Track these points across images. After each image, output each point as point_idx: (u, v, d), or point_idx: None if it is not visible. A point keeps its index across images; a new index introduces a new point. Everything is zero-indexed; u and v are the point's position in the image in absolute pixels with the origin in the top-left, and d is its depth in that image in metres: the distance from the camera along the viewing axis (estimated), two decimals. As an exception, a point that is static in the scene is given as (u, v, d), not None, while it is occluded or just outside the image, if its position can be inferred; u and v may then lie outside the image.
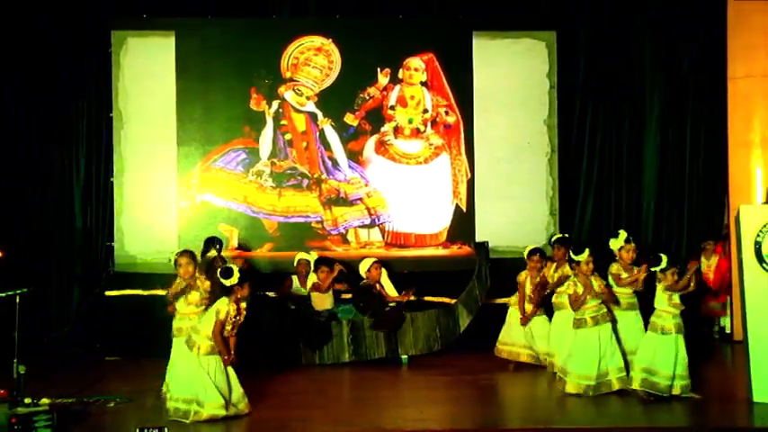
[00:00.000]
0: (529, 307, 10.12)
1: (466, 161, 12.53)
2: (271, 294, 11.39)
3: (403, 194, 12.48)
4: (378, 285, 11.01)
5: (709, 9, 12.51)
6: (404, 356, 10.72)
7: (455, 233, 12.49)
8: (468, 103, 12.54)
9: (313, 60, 12.43)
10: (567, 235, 10.69)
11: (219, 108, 12.28)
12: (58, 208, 12.29)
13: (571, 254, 8.82)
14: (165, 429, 7.09)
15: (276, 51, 12.37)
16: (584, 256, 8.69)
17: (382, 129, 12.49)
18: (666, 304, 8.42)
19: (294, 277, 11.29)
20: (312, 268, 11.08)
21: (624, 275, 9.18)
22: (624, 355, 8.82)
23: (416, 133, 12.56)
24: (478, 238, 12.02)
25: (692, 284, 8.51)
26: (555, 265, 10.11)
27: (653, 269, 8.54)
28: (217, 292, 8.06)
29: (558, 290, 9.92)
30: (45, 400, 7.83)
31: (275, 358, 10.34)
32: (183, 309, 8.38)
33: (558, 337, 9.68)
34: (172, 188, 12.20)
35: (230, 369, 7.93)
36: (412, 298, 10.98)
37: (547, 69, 12.61)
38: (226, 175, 12.26)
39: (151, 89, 12.21)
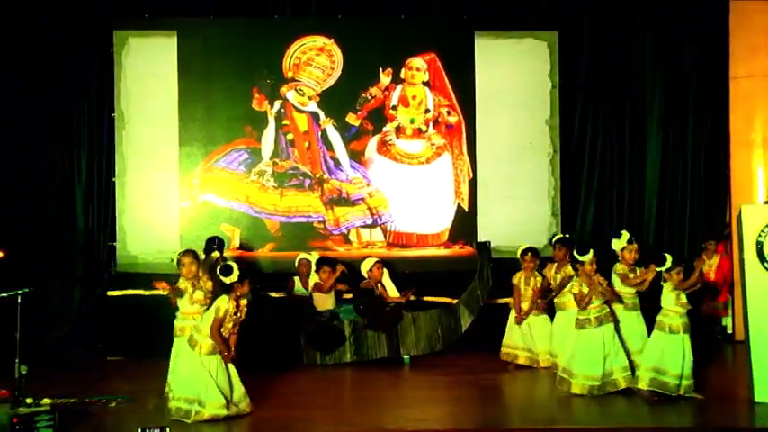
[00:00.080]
0: (526, 305, 10.17)
1: (468, 161, 12.53)
2: (273, 294, 11.41)
3: (405, 194, 12.47)
4: (379, 285, 11.01)
5: (710, 9, 12.53)
6: (406, 356, 10.73)
7: (457, 233, 12.49)
8: (470, 103, 12.54)
9: (315, 60, 12.44)
10: (567, 235, 10.70)
11: (221, 108, 12.29)
12: (60, 208, 12.30)
13: (575, 254, 8.81)
14: (167, 429, 7.09)
15: (278, 51, 12.37)
16: (589, 256, 8.70)
17: (384, 129, 12.50)
18: (674, 303, 8.42)
19: (296, 278, 11.29)
20: (314, 268, 11.07)
21: (631, 275, 9.19)
22: (628, 354, 8.83)
23: (418, 133, 12.56)
24: (480, 238, 12.01)
25: (699, 282, 8.55)
26: (556, 265, 10.13)
27: (658, 269, 8.55)
28: (217, 290, 8.07)
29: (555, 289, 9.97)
30: (47, 400, 7.83)
31: (277, 358, 10.35)
32: (186, 308, 8.38)
33: (560, 338, 9.69)
34: (174, 188, 12.20)
35: (232, 368, 7.94)
36: (412, 297, 10.98)
37: (549, 69, 12.60)
38: (228, 175, 12.26)
39: (153, 89, 12.21)
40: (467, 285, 10.89)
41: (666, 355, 8.37)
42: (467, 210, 12.51)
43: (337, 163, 12.40)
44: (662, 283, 8.55)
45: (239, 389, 7.94)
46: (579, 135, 12.87)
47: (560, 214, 12.53)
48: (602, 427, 7.62)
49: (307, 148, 12.40)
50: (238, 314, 7.92)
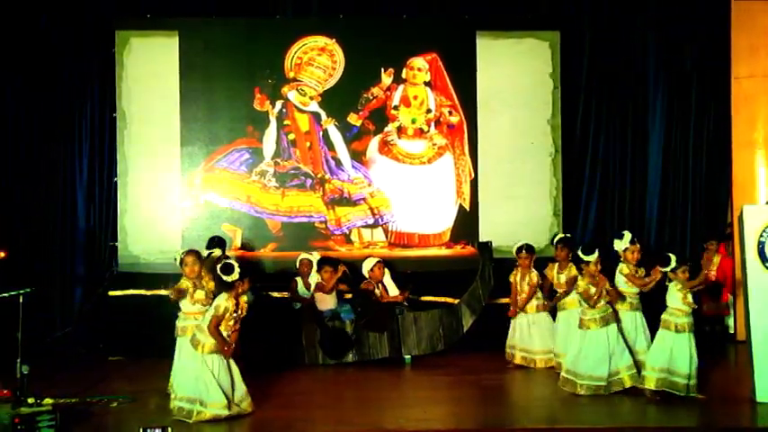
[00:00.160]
0: (522, 297, 10.26)
1: (469, 161, 12.54)
2: (274, 294, 11.41)
3: (406, 194, 12.48)
4: (380, 285, 11.00)
5: (712, 9, 12.54)
6: (407, 356, 10.72)
7: (458, 233, 12.49)
8: (472, 103, 12.54)
9: (316, 60, 12.44)
10: (569, 235, 10.70)
11: (223, 108, 12.29)
12: (62, 208, 12.31)
13: (580, 254, 8.80)
14: (169, 429, 7.09)
15: (280, 51, 12.37)
16: (594, 256, 8.70)
17: (386, 129, 12.50)
18: (681, 303, 8.42)
19: (299, 279, 11.29)
20: (315, 268, 11.07)
21: (638, 275, 9.21)
22: (632, 353, 8.83)
23: (420, 133, 12.56)
24: (482, 238, 12.02)
25: (705, 282, 8.61)
26: (557, 265, 10.12)
27: (663, 269, 8.55)
28: (218, 289, 8.06)
29: (561, 290, 9.94)
30: (48, 400, 7.81)
31: (278, 358, 10.34)
32: (188, 308, 8.38)
33: (563, 338, 9.70)
34: (175, 188, 12.21)
35: (235, 367, 7.94)
36: (407, 295, 10.97)
37: (550, 69, 12.60)
38: (229, 175, 12.26)
39: (154, 89, 12.22)
40: (468, 285, 10.88)
41: (675, 354, 8.36)
42: (468, 210, 12.51)
43: (339, 163, 12.40)
44: (667, 283, 8.55)
45: (241, 388, 7.94)
46: (581, 135, 12.87)
47: (562, 214, 12.53)
48: (603, 427, 7.61)
49: (308, 148, 12.40)
50: (239, 311, 7.92)
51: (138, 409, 8.28)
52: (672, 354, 8.36)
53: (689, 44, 12.83)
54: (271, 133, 12.33)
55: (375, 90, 12.46)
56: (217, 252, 9.90)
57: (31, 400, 7.48)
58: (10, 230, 11.79)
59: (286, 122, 12.36)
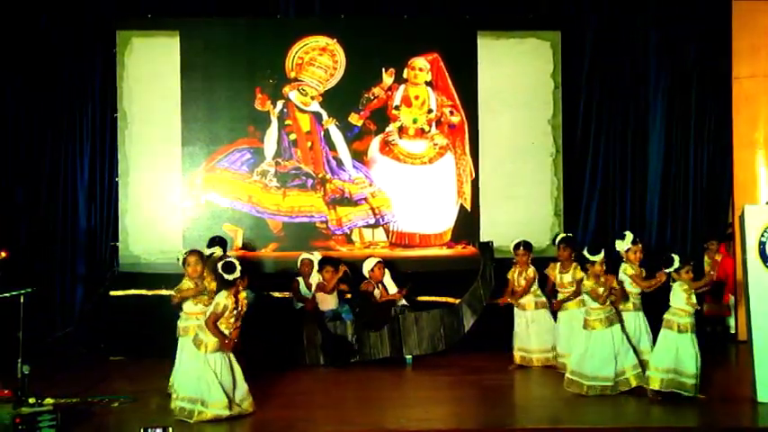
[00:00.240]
0: (518, 290, 10.30)
1: (470, 161, 12.54)
2: (276, 294, 11.42)
3: (407, 194, 12.48)
4: (380, 285, 11.00)
5: (712, 9, 12.52)
6: (408, 356, 10.71)
7: (459, 233, 12.50)
8: (473, 103, 12.55)
9: (318, 60, 12.44)
10: (571, 234, 10.68)
11: (224, 108, 12.29)
12: (63, 208, 12.31)
13: (586, 254, 8.79)
14: (170, 429, 7.09)
15: (281, 51, 12.37)
16: (600, 256, 8.70)
17: (387, 129, 12.50)
18: (684, 303, 8.40)
19: (300, 279, 11.28)
20: (317, 268, 11.06)
21: (643, 275, 9.22)
22: (637, 353, 8.83)
23: (421, 133, 12.56)
24: (483, 238, 12.01)
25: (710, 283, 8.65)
26: (560, 265, 10.09)
27: (667, 270, 8.55)
28: (218, 287, 8.06)
29: (563, 290, 9.94)
30: (49, 400, 7.83)
31: (279, 358, 10.34)
32: (190, 308, 8.40)
33: (566, 338, 9.70)
34: (176, 188, 12.21)
35: (237, 366, 7.94)
36: (405, 293, 10.97)
37: (551, 69, 12.60)
38: (230, 175, 12.27)
39: (156, 89, 12.22)
40: (469, 285, 10.87)
41: (681, 355, 8.34)
42: (469, 210, 12.52)
43: (340, 163, 12.41)
44: (671, 283, 8.55)
45: (242, 387, 7.94)
46: (582, 135, 12.88)
47: (563, 214, 12.54)
48: (606, 427, 7.61)
49: (309, 148, 12.40)
50: (239, 308, 7.93)
51: (139, 409, 8.27)
52: (678, 354, 8.35)
53: (690, 44, 12.84)
54: (272, 133, 12.33)
55: (376, 90, 12.46)
56: (218, 252, 9.89)
57: (32, 400, 7.48)
58: (11, 230, 11.80)
59: (287, 122, 12.36)
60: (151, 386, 9.01)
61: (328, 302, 10.90)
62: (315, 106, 12.42)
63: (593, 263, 8.69)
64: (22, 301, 8.35)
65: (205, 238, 10.64)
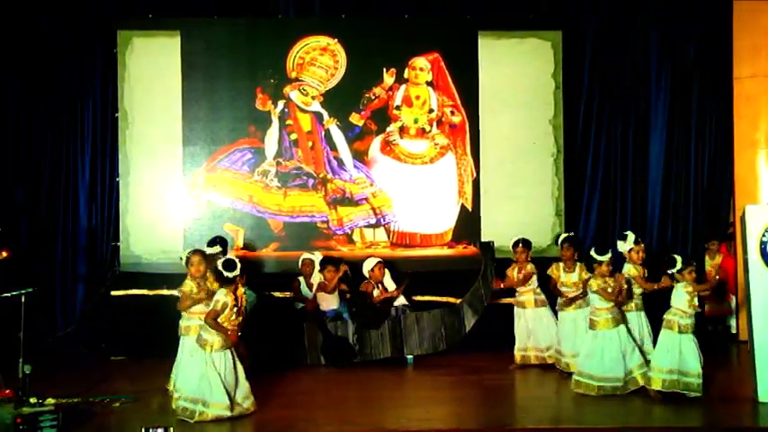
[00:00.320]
0: (514, 274, 10.37)
1: (471, 161, 12.53)
2: (277, 294, 11.42)
3: (408, 194, 12.47)
4: (380, 285, 11.00)
5: (713, 9, 12.53)
6: (409, 356, 10.71)
7: (460, 233, 12.49)
8: (474, 102, 12.54)
9: (318, 60, 12.44)
10: (573, 234, 10.67)
11: (225, 108, 12.29)
12: (63, 208, 12.30)
13: (593, 254, 8.80)
14: (171, 429, 7.09)
15: (282, 51, 12.36)
16: (608, 256, 8.73)
17: (388, 129, 12.50)
18: (687, 305, 8.40)
19: (301, 278, 11.28)
20: (318, 268, 11.06)
21: (645, 275, 9.22)
22: (642, 352, 8.84)
23: (422, 133, 12.56)
24: (484, 238, 12.00)
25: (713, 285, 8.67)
26: (562, 264, 10.06)
27: (669, 271, 8.55)
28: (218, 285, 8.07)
29: (565, 290, 9.93)
30: (50, 400, 7.85)
31: (280, 358, 10.34)
32: (193, 308, 8.39)
33: (570, 339, 9.69)
34: (177, 188, 12.20)
35: (239, 365, 7.94)
36: (403, 289, 10.96)
37: (552, 69, 12.60)
38: (231, 175, 12.26)
39: (157, 89, 12.21)
40: (470, 285, 10.87)
41: (684, 355, 8.35)
42: (470, 210, 12.51)
43: (341, 163, 12.40)
44: (674, 284, 8.55)
45: (244, 386, 7.95)
46: (583, 135, 12.87)
47: (564, 214, 12.53)
48: (606, 427, 7.61)
49: (310, 148, 12.40)
50: (239, 304, 7.95)
51: (140, 409, 8.28)
52: (681, 355, 8.35)
53: (690, 44, 12.83)
54: (273, 133, 12.33)
55: (377, 90, 12.45)
56: (216, 251, 9.87)
57: (33, 400, 7.50)
58: (12, 230, 11.76)
59: (288, 122, 12.36)
60: (152, 386, 9.01)
61: (329, 302, 10.90)
62: (316, 106, 12.42)
63: (601, 263, 8.70)
64: (23, 300, 8.36)
65: (206, 237, 10.63)
